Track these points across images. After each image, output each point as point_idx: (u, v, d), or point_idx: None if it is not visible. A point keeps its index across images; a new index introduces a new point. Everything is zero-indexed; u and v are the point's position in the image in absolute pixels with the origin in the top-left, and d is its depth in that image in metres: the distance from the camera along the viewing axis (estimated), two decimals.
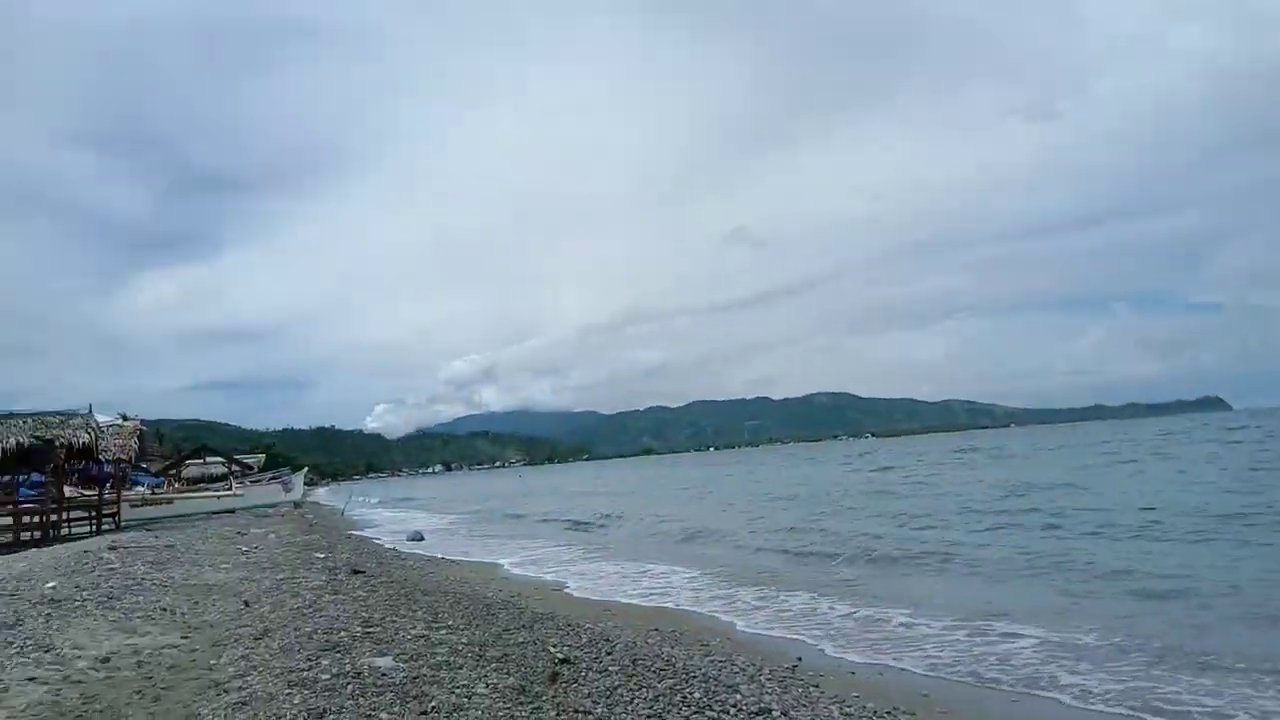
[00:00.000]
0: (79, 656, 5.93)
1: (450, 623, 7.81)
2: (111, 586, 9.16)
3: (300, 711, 4.61)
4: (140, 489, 30.29)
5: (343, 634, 6.88)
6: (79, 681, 5.30)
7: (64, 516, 20.41)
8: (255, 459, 50.82)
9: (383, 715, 4.56)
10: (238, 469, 39.49)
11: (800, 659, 7.01)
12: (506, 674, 5.66)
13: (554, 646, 6.75)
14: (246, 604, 8.62)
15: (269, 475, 40.63)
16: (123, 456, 22.01)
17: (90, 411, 20.30)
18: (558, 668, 5.91)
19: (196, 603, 8.69)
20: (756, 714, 4.98)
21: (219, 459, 41.22)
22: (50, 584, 8.94)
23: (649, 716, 4.82)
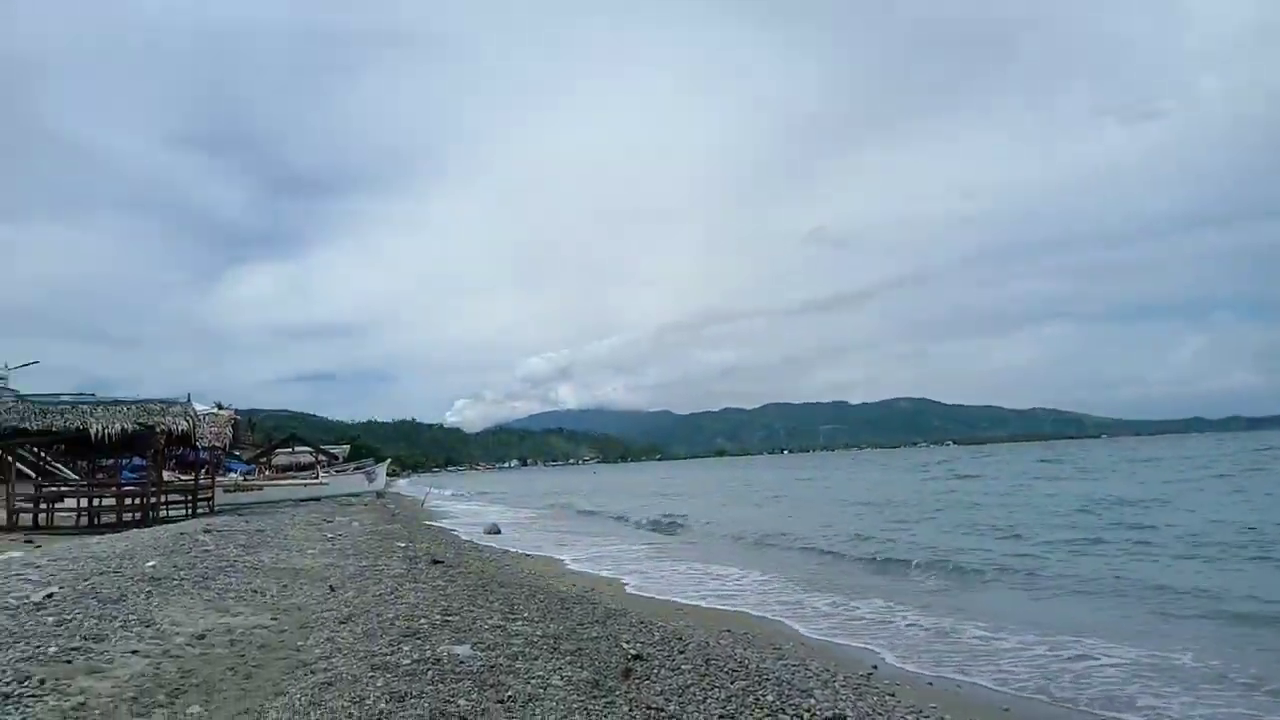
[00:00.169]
0: (177, 632, 6.26)
1: (526, 615, 7.95)
2: (206, 567, 9.62)
3: (382, 694, 4.78)
4: (233, 475, 31.50)
5: (423, 621, 7.09)
6: (177, 656, 5.58)
7: (163, 499, 21.39)
8: (340, 449, 52.39)
9: (461, 701, 4.69)
10: (324, 458, 40.76)
11: (875, 667, 6.91)
12: (581, 667, 5.75)
13: (627, 642, 6.81)
14: (332, 589, 8.95)
15: (353, 465, 41.82)
16: (217, 444, 22.92)
17: (189, 400, 21.26)
18: (631, 664, 5.97)
19: (285, 586, 9.06)
20: (830, 719, 4.94)
21: (307, 448, 42.57)
22: (151, 563, 9.43)
23: (722, 716, 4.83)
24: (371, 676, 5.16)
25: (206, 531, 13.78)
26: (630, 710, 4.75)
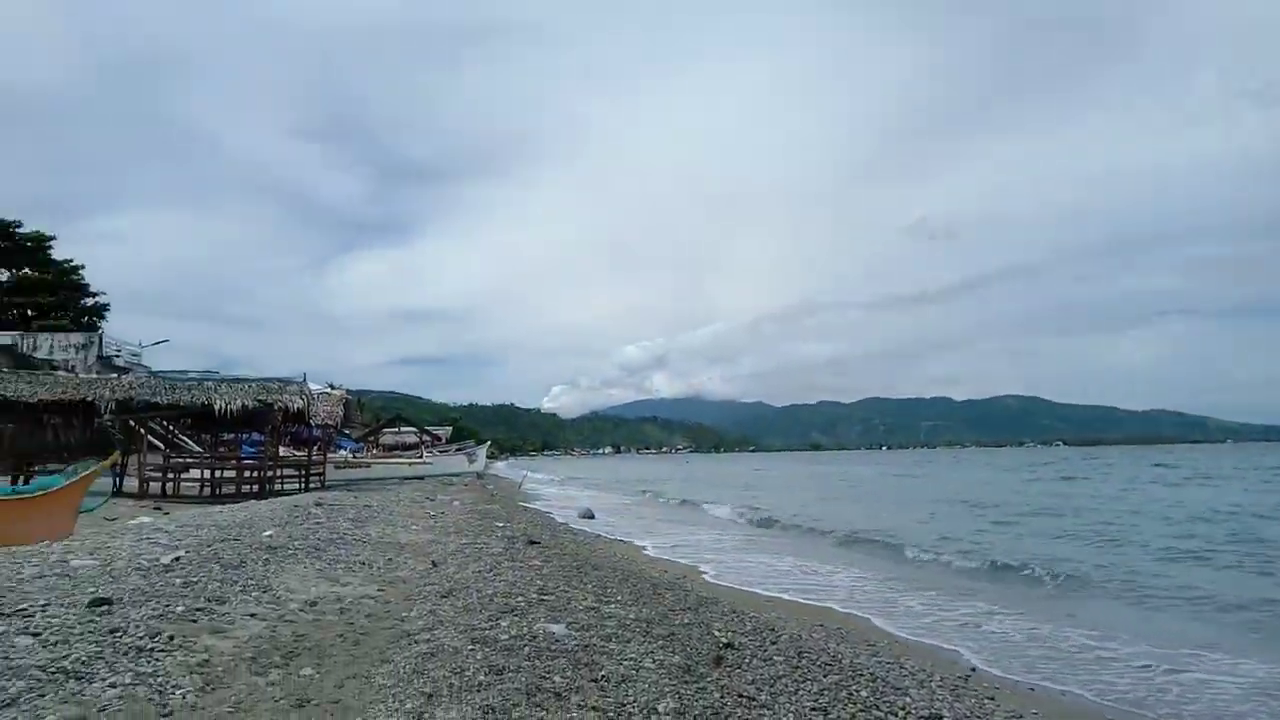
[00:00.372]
0: (291, 599, 6.59)
1: (619, 598, 8.04)
2: (318, 539, 10.08)
3: (482, 666, 4.92)
4: (343, 452, 32.73)
5: (520, 599, 7.26)
6: (291, 621, 5.88)
7: (278, 473, 22.49)
8: (443, 430, 54.06)
9: (556, 678, 4.79)
10: (428, 439, 42.07)
11: (974, 669, 6.73)
12: (672, 652, 5.79)
13: (719, 630, 6.82)
14: (434, 564, 9.26)
15: (455, 446, 43.04)
16: (329, 422, 23.82)
17: (304, 380, 22.24)
18: (722, 651, 5.98)
19: (390, 559, 9.42)
20: (926, 719, 4.84)
21: (412, 429, 44.04)
22: (268, 532, 9.95)
23: (813, 709, 4.79)
24: (471, 649, 5.32)
25: (318, 505, 14.42)
26: (721, 697, 4.76)
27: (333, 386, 26.97)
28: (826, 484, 45.74)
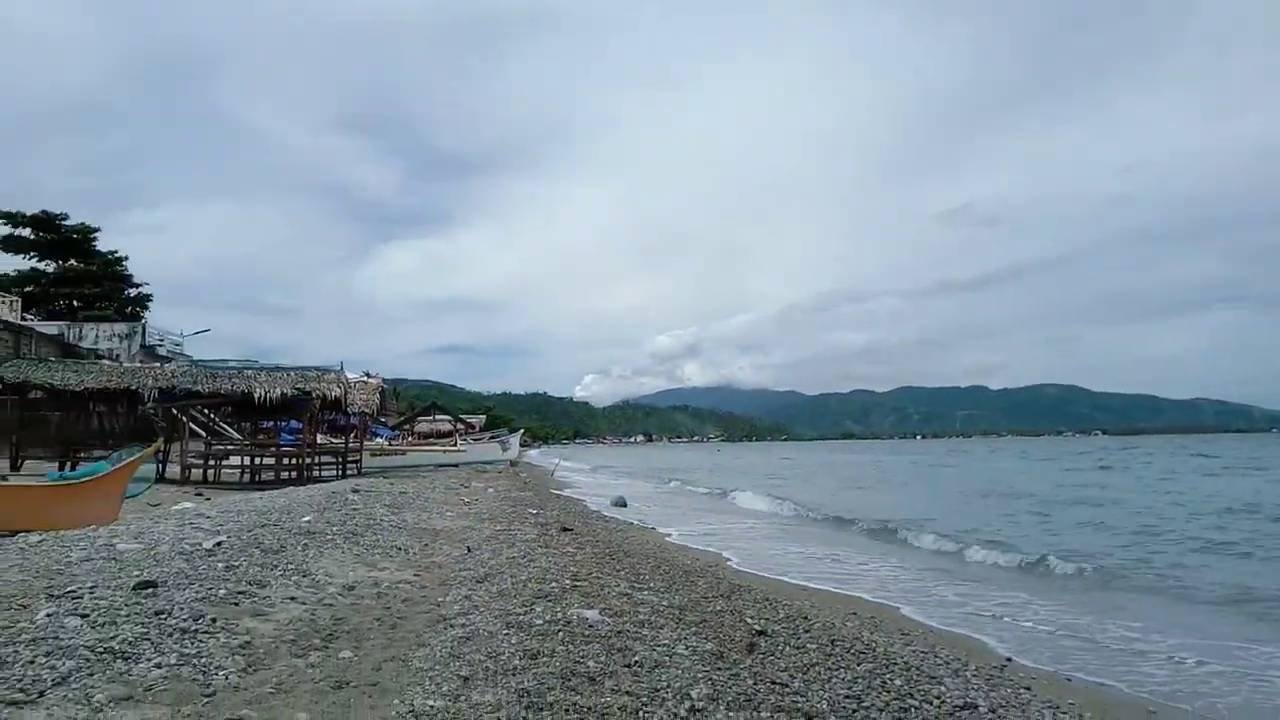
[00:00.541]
0: (330, 583, 6.70)
1: (652, 584, 8.08)
2: (355, 524, 10.23)
3: (516, 650, 4.98)
4: (379, 440, 33.11)
5: (554, 585, 7.32)
6: (330, 605, 5.98)
7: (316, 460, 22.81)
8: (477, 419, 54.53)
9: (590, 663, 4.83)
10: (462, 427, 42.43)
11: (1009, 659, 6.67)
12: (705, 639, 5.80)
13: (751, 618, 6.83)
14: (469, 550, 9.36)
15: (489, 435, 43.40)
16: (366, 410, 24.12)
17: (341, 368, 22.51)
18: (755, 639, 5.98)
19: (426, 545, 9.54)
20: (961, 708, 4.80)
21: (446, 417, 44.45)
22: (306, 518, 10.12)
23: (847, 697, 4.78)
24: (506, 633, 5.38)
25: (355, 491, 14.63)
26: (754, 684, 4.76)
27: (369, 375, 27.28)
28: (856, 473, 45.43)
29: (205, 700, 3.83)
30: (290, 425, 26.68)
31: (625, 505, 21.55)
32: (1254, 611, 8.95)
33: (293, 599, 5.93)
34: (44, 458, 19.88)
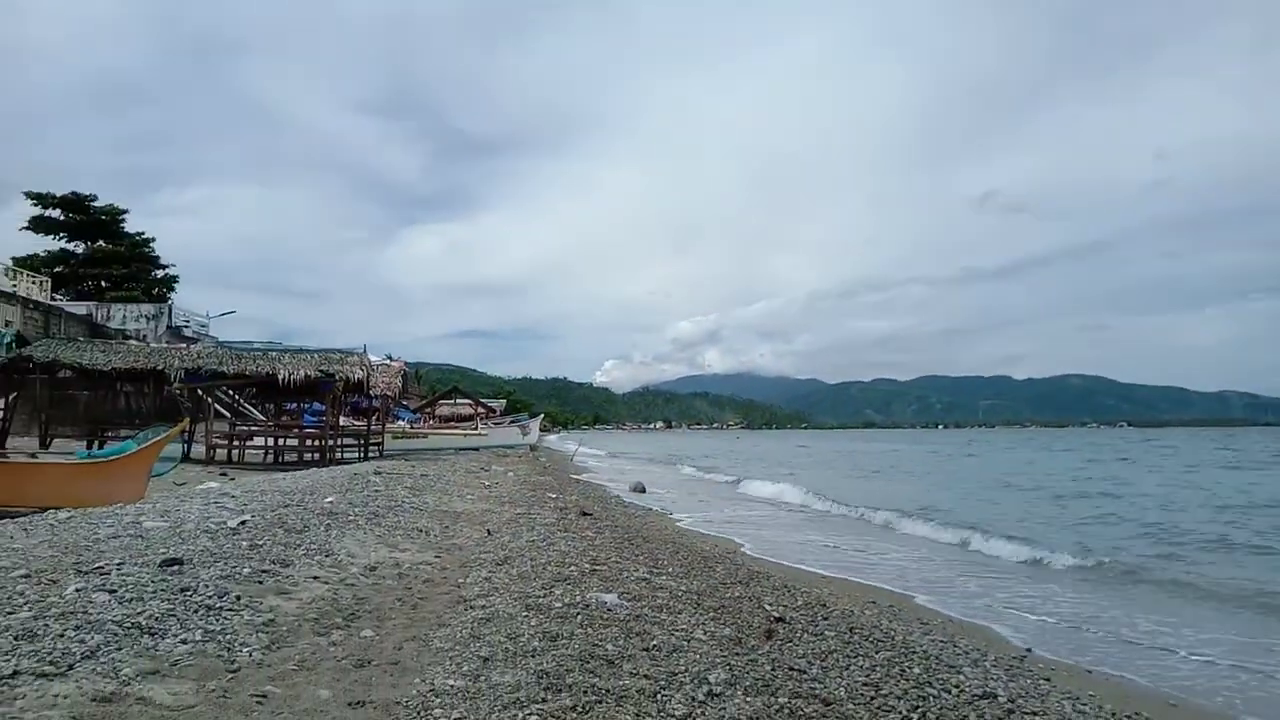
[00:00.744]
0: (352, 563, 6.78)
1: (670, 570, 8.11)
2: (377, 506, 10.33)
3: (536, 632, 5.02)
4: (401, 423, 33.35)
5: (573, 568, 7.37)
6: (351, 585, 6.06)
7: (339, 442, 23.02)
8: (498, 403, 54.76)
9: (609, 646, 4.86)
10: (483, 411, 42.61)
11: (1029, 650, 6.63)
12: (723, 624, 5.82)
13: (769, 604, 6.84)
14: (489, 532, 9.44)
15: (509, 419, 43.55)
16: (388, 393, 24.27)
17: (364, 351, 22.66)
18: (773, 625, 5.99)
19: (447, 527, 9.62)
20: (980, 697, 4.78)
21: (467, 401, 44.65)
22: (329, 499, 10.23)
23: (864, 684, 4.77)
24: (526, 616, 5.43)
25: (377, 474, 14.76)
26: (772, 670, 4.77)
27: (391, 358, 27.47)
28: (874, 462, 45.22)
29: (230, 676, 3.89)
30: (313, 407, 26.95)
31: (644, 491, 21.59)
32: (1277, 610, 8.83)
33: (315, 578, 6.00)
34: (72, 436, 20.18)
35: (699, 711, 3.95)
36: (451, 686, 4.00)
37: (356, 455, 23.68)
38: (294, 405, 27.23)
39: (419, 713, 3.68)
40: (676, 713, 3.89)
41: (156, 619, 4.40)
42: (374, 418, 26.73)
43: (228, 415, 23.93)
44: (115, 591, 4.79)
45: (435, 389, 62.20)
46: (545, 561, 7.62)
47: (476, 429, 35.20)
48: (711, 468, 36.37)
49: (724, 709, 4.00)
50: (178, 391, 20.47)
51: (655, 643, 5.03)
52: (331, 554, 6.92)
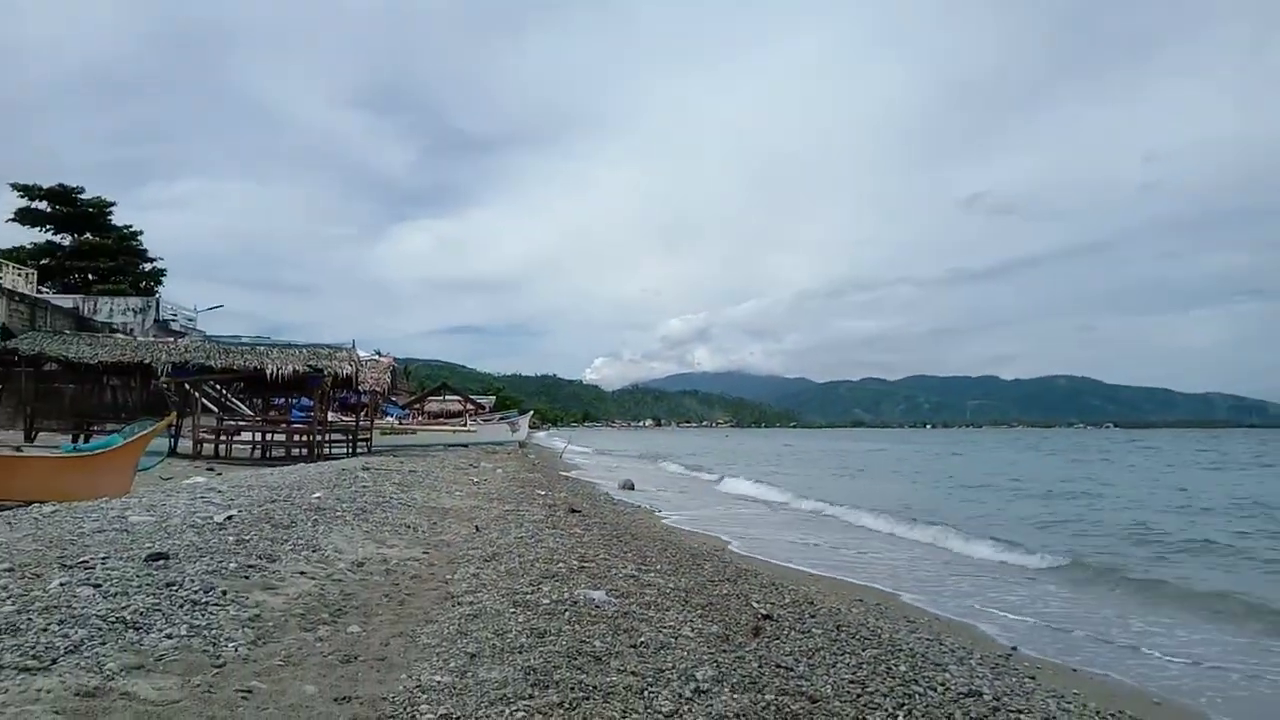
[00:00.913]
0: (339, 559, 6.76)
1: (658, 567, 8.12)
2: (365, 502, 10.30)
3: (523, 629, 5.02)
4: (389, 419, 33.23)
5: (561, 565, 7.37)
6: (339, 580, 6.04)
7: (327, 438, 22.93)
8: (487, 399, 54.60)
9: (596, 642, 4.86)
10: (472, 407, 42.50)
11: (1015, 649, 6.67)
12: (711, 621, 5.83)
13: (757, 602, 6.85)
14: (477, 529, 9.42)
15: (499, 416, 43.44)
16: (376, 389, 24.15)
17: (353, 346, 22.57)
18: (761, 623, 6.00)
19: (435, 523, 9.60)
20: (966, 695, 4.81)
21: (456, 397, 44.52)
22: (316, 494, 10.19)
23: (851, 681, 4.79)
24: (513, 612, 5.43)
25: (365, 469, 14.72)
26: (759, 667, 4.78)
27: (380, 354, 27.32)
28: (859, 462, 45.38)
29: (215, 671, 3.87)
30: (301, 402, 26.84)
31: (633, 488, 21.60)
32: (1262, 611, 8.90)
33: (302, 574, 5.98)
34: (58, 430, 20.07)
35: (686, 708, 3.96)
36: (438, 682, 4.00)
37: (345, 451, 23.60)
38: (282, 400, 27.11)
39: (406, 708, 3.67)
40: (664, 709, 3.89)
41: (141, 614, 4.37)
42: (362, 413, 26.63)
43: (215, 410, 23.82)
44: (100, 586, 4.76)
45: (424, 385, 62.05)
46: (533, 558, 7.62)
47: (465, 425, 35.11)
48: (698, 466, 36.41)
49: (711, 705, 4.01)
50: (165, 385, 20.37)
51: (643, 639, 5.04)
52: (319, 549, 6.89)
